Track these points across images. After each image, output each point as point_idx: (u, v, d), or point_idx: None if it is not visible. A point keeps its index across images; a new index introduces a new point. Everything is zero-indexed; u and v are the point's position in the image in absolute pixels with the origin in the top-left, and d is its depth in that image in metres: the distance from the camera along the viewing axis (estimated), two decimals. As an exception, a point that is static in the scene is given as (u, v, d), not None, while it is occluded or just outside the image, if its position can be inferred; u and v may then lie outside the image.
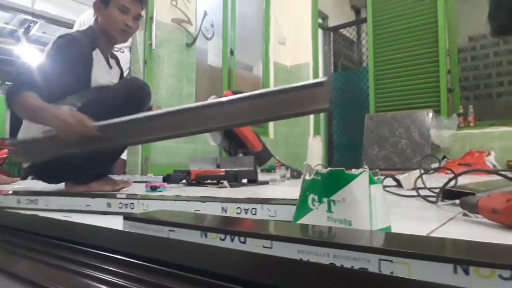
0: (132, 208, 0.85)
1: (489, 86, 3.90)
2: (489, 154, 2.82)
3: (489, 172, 1.14)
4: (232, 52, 3.90)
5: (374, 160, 3.47)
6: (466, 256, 0.31)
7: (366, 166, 0.47)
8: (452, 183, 0.98)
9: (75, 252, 0.41)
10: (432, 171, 1.83)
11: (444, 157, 3.25)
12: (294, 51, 4.62)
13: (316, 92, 0.78)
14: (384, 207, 0.50)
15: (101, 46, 1.40)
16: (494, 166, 2.70)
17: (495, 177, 1.29)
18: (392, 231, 0.51)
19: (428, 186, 1.16)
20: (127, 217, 0.51)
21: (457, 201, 0.81)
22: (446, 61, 3.53)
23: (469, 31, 3.90)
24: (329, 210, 0.48)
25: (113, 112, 1.09)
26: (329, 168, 0.49)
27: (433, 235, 0.58)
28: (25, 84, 1.17)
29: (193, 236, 0.46)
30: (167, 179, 1.78)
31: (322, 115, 4.45)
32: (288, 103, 0.81)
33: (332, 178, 0.48)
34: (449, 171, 1.28)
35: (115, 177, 1.66)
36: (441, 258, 0.31)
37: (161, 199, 0.87)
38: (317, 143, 4.44)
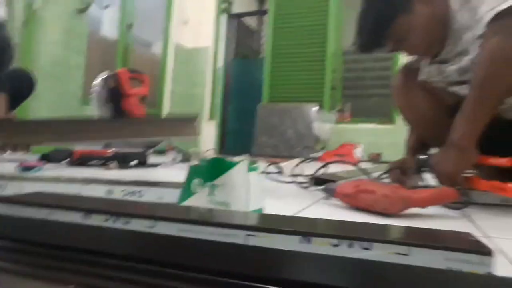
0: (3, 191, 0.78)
1: (364, 87, 4.48)
2: (357, 147, 3.26)
3: (344, 162, 1.36)
4: (130, 26, 3.66)
5: (264, 147, 3.70)
6: (308, 229, 0.40)
7: (245, 156, 0.54)
8: (323, 171, 1.15)
9: None
10: (310, 160, 2.05)
11: (323, 147, 3.65)
12: (196, 33, 4.57)
13: (189, 124, 0.85)
14: (259, 191, 0.58)
15: None
16: (360, 157, 3.14)
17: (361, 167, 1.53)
18: (266, 212, 0.60)
19: (305, 174, 1.31)
20: None
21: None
22: (332, 61, 3.93)
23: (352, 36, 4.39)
24: (211, 193, 0.53)
25: None
26: (212, 156, 0.54)
27: (298, 215, 0.69)
28: None
29: (75, 218, 0.47)
30: (46, 158, 1.64)
31: (218, 100, 4.53)
32: (163, 129, 0.88)
33: (214, 164, 0.54)
34: (323, 161, 1.47)
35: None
36: (291, 232, 0.39)
37: (38, 181, 0.82)
38: (211, 128, 4.52)
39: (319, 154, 2.88)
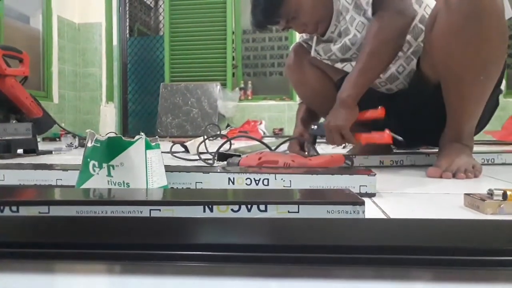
0: None
1: (264, 65, 4.63)
2: (261, 123, 3.41)
3: (250, 137, 1.42)
4: (-1, -5, 3.15)
5: (168, 128, 3.62)
6: (210, 198, 0.42)
7: (142, 134, 0.53)
8: (228, 148, 1.18)
9: None
10: (215, 138, 2.08)
11: (228, 125, 3.72)
12: (84, 7, 4.15)
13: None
14: (161, 169, 0.59)
15: None
16: (264, 132, 3.29)
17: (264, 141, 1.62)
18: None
19: (210, 151, 1.34)
20: None
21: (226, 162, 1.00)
22: (232, 40, 3.96)
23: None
24: (109, 174, 0.52)
25: None
26: (108, 136, 0.52)
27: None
28: None
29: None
30: None
31: (116, 81, 4.24)
32: None
33: (111, 144, 0.52)
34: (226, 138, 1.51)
35: None
36: (193, 202, 0.41)
37: None
38: (110, 110, 4.23)
39: (225, 131, 2.94)
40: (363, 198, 0.44)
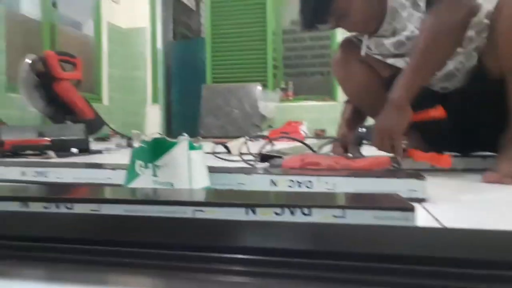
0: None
1: (305, 66, 4.59)
2: (302, 124, 3.37)
3: (292, 139, 1.40)
4: (54, 4, 3.36)
5: (211, 128, 3.68)
6: (251, 201, 0.42)
7: (185, 134, 0.54)
8: (269, 149, 1.18)
9: None
10: (257, 139, 2.09)
11: (269, 126, 3.72)
12: (130, 13, 4.34)
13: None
14: (204, 170, 0.59)
15: None
16: (305, 133, 3.25)
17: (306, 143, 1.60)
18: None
19: (251, 152, 1.34)
20: None
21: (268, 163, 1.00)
22: (273, 40, 3.96)
23: (292, 15, 4.45)
24: (154, 174, 0.53)
25: None
26: (153, 137, 0.54)
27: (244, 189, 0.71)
28: None
29: (11, 207, 0.45)
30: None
31: (160, 83, 4.39)
32: None
33: (156, 145, 0.54)
34: (269, 139, 1.51)
35: None
36: (236, 204, 0.41)
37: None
38: (155, 112, 4.38)
39: (266, 132, 2.94)
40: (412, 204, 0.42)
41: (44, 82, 1.90)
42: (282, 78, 4.13)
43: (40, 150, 1.50)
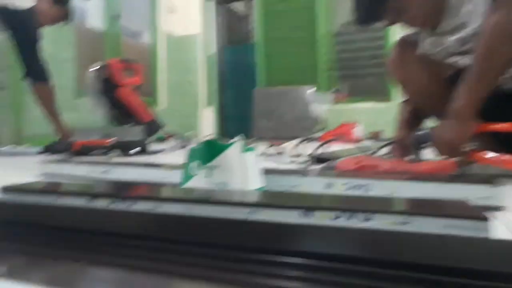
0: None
1: (359, 67, 4.45)
2: (356, 126, 3.27)
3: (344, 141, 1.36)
4: (117, 17, 3.61)
5: (263, 130, 3.71)
6: (308, 203, 0.41)
7: (239, 137, 0.54)
8: (323, 150, 1.16)
9: None
10: (309, 141, 2.06)
11: (322, 128, 3.65)
12: (185, 21, 4.51)
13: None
14: (258, 171, 0.59)
15: None
16: (360, 136, 3.15)
17: (361, 145, 1.55)
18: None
19: (304, 154, 1.32)
20: (7, 187, 0.50)
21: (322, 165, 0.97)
22: (324, 42, 3.90)
23: (344, 17, 4.35)
24: (208, 175, 0.54)
25: None
26: (207, 138, 0.55)
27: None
28: None
29: (80, 202, 0.47)
30: (49, 149, 1.65)
31: (215, 86, 4.51)
32: None
33: (209, 147, 0.54)
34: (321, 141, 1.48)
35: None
36: (291, 207, 0.40)
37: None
38: (209, 114, 4.51)
39: (318, 135, 2.89)
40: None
41: (108, 87, 2.03)
42: (336, 80, 4.04)
43: (105, 150, 1.60)
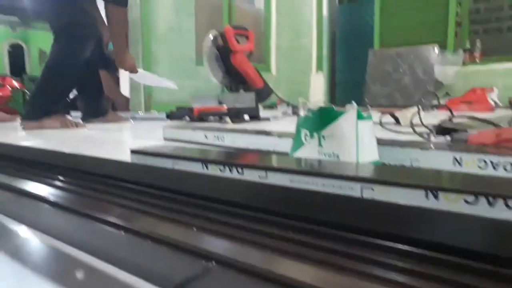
0: (223, 141, 0.84)
1: (500, 19, 3.74)
2: (491, 91, 2.80)
3: (475, 119, 1.17)
4: (231, -17, 3.70)
5: (377, 97, 3.47)
6: (434, 183, 0.35)
7: (353, 103, 0.49)
8: (448, 120, 1.01)
9: (87, 180, 0.45)
10: (430, 108, 1.85)
11: (446, 94, 3.24)
12: (298, -18, 4.38)
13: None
14: (373, 142, 0.54)
15: None
16: (496, 103, 2.70)
17: (496, 115, 1.32)
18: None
19: (425, 123, 1.19)
20: (134, 150, 0.55)
21: (449, 137, 0.85)
22: (458, -9, 3.36)
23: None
24: (320, 144, 0.51)
25: None
26: (319, 105, 0.51)
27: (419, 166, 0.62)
28: None
29: (196, 168, 0.50)
30: (171, 116, 1.82)
31: (325, 51, 4.35)
32: None
33: (322, 114, 0.51)
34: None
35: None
36: (413, 185, 0.35)
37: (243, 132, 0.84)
38: (319, 80, 4.40)
39: (443, 101, 2.57)
40: None
41: (223, 55, 2.12)
42: (467, 36, 3.49)
43: (219, 116, 1.70)
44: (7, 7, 5.03)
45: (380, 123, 1.28)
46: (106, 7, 1.53)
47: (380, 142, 0.61)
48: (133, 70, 1.76)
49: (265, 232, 0.31)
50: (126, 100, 2.98)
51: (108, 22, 1.59)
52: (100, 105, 1.79)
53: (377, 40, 3.78)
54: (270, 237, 0.30)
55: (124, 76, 3.10)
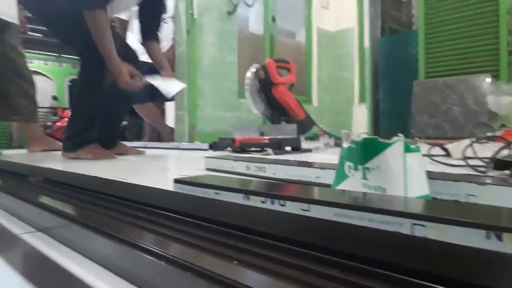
0: (264, 172, 0.84)
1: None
2: (553, 122, 2.60)
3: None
4: (273, 19, 3.83)
5: (424, 128, 3.34)
6: (497, 222, 0.32)
7: (401, 135, 0.47)
8: (506, 153, 0.94)
9: (130, 207, 0.46)
10: (485, 140, 1.73)
11: (502, 125, 3.04)
12: (338, 15, 4.44)
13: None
14: (422, 176, 0.51)
15: None
16: (558, 135, 2.48)
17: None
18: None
19: (479, 156, 1.11)
20: (177, 180, 0.56)
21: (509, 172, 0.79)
22: (507, 19, 3.22)
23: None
24: (364, 177, 0.49)
25: None
26: (363, 136, 0.50)
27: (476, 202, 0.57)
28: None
29: (236, 199, 0.50)
30: (213, 146, 1.85)
31: (368, 82, 4.29)
32: None
33: (366, 146, 0.49)
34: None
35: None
36: (472, 224, 0.32)
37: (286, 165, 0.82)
38: (362, 111, 4.33)
39: (499, 133, 2.41)
40: None
41: (265, 87, 2.16)
42: (522, 65, 3.30)
43: (261, 147, 1.71)
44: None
45: (429, 156, 1.22)
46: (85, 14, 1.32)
47: (431, 176, 0.58)
48: (131, 85, 1.40)
49: (307, 268, 0.29)
50: (171, 130, 3.10)
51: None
52: (113, 136, 1.69)
53: (422, 70, 3.68)
54: (312, 274, 0.28)
55: (170, 107, 3.25)
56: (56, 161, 1.36)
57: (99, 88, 1.47)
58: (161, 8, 1.75)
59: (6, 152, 2.11)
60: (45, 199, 0.54)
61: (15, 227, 0.47)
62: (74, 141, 1.44)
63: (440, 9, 3.58)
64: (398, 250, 0.30)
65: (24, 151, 2.18)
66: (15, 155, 1.85)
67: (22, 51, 2.07)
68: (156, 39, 1.72)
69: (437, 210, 0.38)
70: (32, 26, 2.35)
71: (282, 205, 0.45)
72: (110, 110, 1.61)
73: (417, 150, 0.51)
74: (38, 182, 0.76)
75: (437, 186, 0.58)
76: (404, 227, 0.36)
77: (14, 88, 1.86)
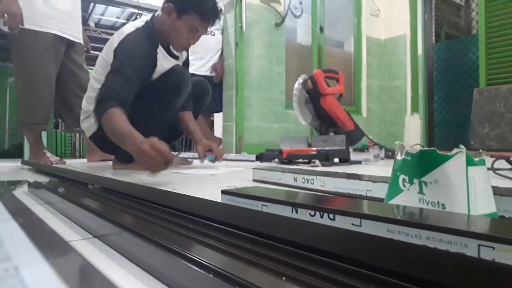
0: (312, 184, 0.83)
1: None
2: None
3: None
4: (321, 29, 3.80)
5: (485, 139, 3.10)
6: None
7: (462, 146, 0.44)
8: None
9: (180, 217, 0.47)
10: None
11: None
12: (389, 22, 4.30)
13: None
14: (488, 191, 0.46)
15: (162, 41, 1.45)
16: None
17: None
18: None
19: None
20: (225, 191, 0.56)
21: None
22: None
23: None
24: (421, 191, 0.46)
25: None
26: (420, 148, 0.46)
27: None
28: (108, 100, 1.22)
29: (284, 211, 0.49)
30: (260, 157, 1.86)
31: (421, 91, 4.10)
32: None
33: (423, 158, 0.46)
34: None
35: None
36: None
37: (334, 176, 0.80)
38: (415, 121, 4.12)
39: None
40: None
41: (313, 97, 2.13)
42: None
43: (308, 159, 1.68)
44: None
45: (493, 169, 1.13)
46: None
47: (496, 191, 0.53)
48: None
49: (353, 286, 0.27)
50: (220, 142, 3.17)
51: None
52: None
53: (483, 77, 3.44)
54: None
55: (218, 119, 3.32)
56: (109, 171, 1.44)
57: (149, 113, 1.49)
58: (207, 99, 1.84)
59: (69, 161, 2.28)
60: (100, 207, 0.57)
61: (74, 233, 0.50)
62: (124, 155, 1.50)
63: (503, 11, 3.35)
64: (461, 274, 0.27)
65: (84, 160, 2.34)
66: (77, 164, 1.98)
67: (86, 67, 2.24)
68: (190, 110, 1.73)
69: (507, 230, 0.34)
70: (95, 45, 2.54)
71: (332, 219, 0.44)
72: (163, 125, 1.62)
73: (481, 163, 0.47)
74: (96, 190, 0.80)
75: (503, 203, 0.53)
76: (468, 248, 0.33)
77: (77, 101, 2.00)
